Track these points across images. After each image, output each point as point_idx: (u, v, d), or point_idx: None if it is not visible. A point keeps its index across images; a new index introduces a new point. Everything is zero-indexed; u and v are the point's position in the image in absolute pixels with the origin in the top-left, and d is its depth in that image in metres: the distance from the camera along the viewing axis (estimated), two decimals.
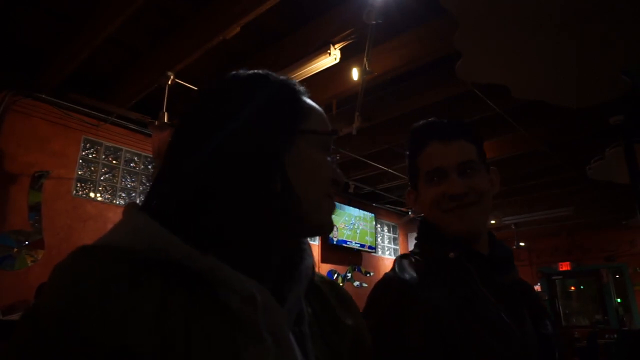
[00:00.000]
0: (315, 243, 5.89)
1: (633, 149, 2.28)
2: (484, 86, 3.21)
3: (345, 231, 6.18)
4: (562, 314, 8.66)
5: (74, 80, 3.45)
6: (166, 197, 0.52)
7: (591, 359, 6.01)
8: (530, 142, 4.44)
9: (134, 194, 4.27)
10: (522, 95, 2.01)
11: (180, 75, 3.16)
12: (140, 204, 0.53)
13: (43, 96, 3.58)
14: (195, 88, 3.21)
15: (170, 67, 3.10)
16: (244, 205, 0.50)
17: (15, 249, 3.32)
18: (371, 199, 6.84)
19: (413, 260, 0.84)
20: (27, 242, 3.39)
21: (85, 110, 3.82)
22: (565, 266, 8.56)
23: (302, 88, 0.60)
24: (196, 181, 0.51)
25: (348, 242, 6.25)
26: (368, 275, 6.65)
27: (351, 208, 6.37)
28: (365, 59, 2.76)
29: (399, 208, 7.32)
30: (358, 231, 6.45)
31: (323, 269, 5.93)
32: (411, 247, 0.99)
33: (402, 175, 5.03)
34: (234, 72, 0.59)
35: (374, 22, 2.46)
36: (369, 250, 6.68)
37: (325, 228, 0.59)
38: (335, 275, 6.10)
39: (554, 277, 8.75)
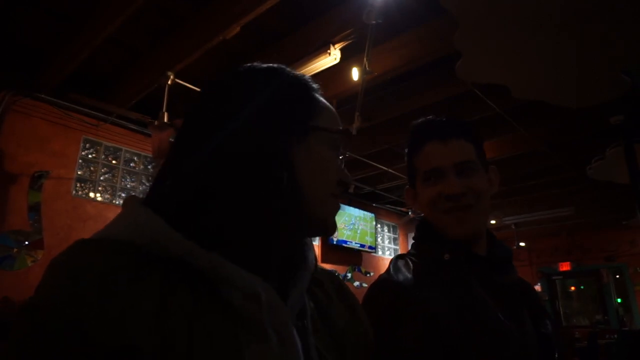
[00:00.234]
0: (315, 243, 5.89)
1: (633, 149, 2.28)
2: (484, 86, 3.21)
3: (345, 231, 6.17)
4: (562, 314, 8.65)
5: (74, 80, 3.44)
6: (167, 195, 0.51)
7: (591, 359, 6.00)
8: (530, 142, 4.44)
9: (133, 194, 4.26)
10: (522, 95, 2.02)
11: (180, 75, 3.16)
12: (138, 197, 0.52)
13: (43, 96, 3.57)
14: (195, 88, 3.20)
15: (170, 67, 3.10)
16: (247, 203, 0.50)
17: (15, 249, 3.32)
18: (371, 199, 6.84)
19: (409, 261, 0.84)
20: (26, 242, 3.39)
21: (85, 110, 3.82)
22: (565, 266, 8.55)
23: (315, 85, 0.59)
24: (200, 180, 0.50)
25: (348, 242, 6.24)
26: (368, 275, 6.65)
27: (351, 208, 6.36)
28: (365, 59, 2.76)
29: (399, 208, 7.32)
30: (358, 231, 6.45)
31: None
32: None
33: (402, 175, 5.03)
34: (248, 65, 0.58)
35: (374, 22, 2.46)
36: (369, 250, 6.67)
37: (328, 228, 0.57)
38: None
39: (554, 277, 8.74)
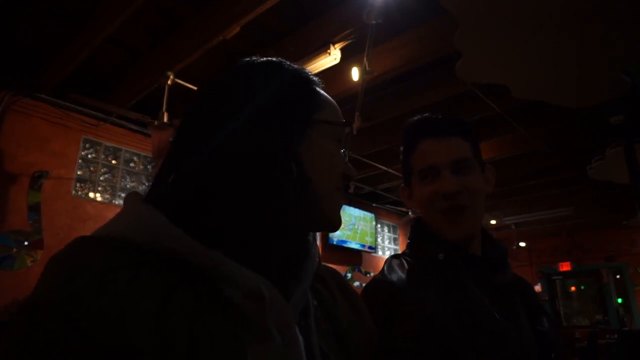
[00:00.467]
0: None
1: (633, 149, 2.28)
2: (484, 86, 3.21)
3: (345, 231, 6.17)
4: (562, 314, 8.64)
5: (74, 80, 3.44)
6: (167, 195, 0.50)
7: (591, 359, 6.00)
8: (530, 142, 4.44)
9: (135, 191, 4.25)
10: (522, 95, 2.02)
11: (180, 75, 3.16)
12: (140, 194, 0.51)
13: (43, 96, 3.57)
14: (196, 88, 3.20)
15: (170, 67, 3.09)
16: (247, 203, 0.49)
17: (15, 249, 3.31)
18: (371, 199, 6.84)
19: (404, 261, 0.83)
20: (26, 242, 3.38)
21: (85, 110, 3.81)
22: (565, 266, 8.54)
23: (316, 79, 0.59)
24: (200, 180, 0.49)
25: (348, 242, 6.24)
26: (368, 275, 6.64)
27: (351, 208, 6.36)
28: (365, 59, 2.76)
29: (399, 208, 7.31)
30: (358, 231, 6.44)
31: None
32: None
33: (402, 176, 5.01)
34: (247, 61, 0.57)
35: (374, 22, 2.46)
36: (369, 250, 6.67)
37: (335, 223, 0.57)
38: None
39: (554, 277, 8.73)
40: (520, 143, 4.55)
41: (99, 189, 4.02)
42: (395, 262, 0.83)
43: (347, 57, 3.00)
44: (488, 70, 1.84)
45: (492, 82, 1.99)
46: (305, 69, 0.59)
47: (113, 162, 4.16)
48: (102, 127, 3.97)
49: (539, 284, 8.55)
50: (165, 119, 3.08)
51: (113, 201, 4.07)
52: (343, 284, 0.66)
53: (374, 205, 6.99)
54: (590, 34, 1.55)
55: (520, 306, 0.83)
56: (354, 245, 6.33)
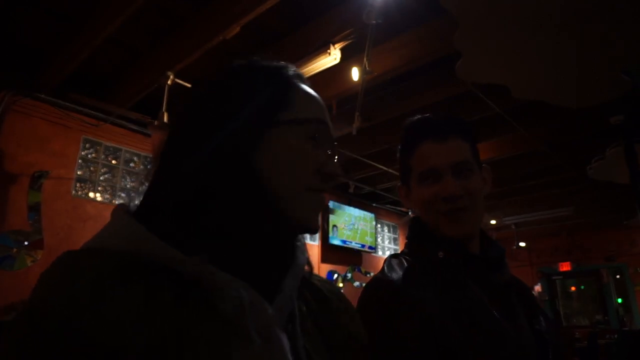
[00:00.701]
0: (315, 243, 5.89)
1: (633, 149, 2.28)
2: (484, 86, 3.20)
3: (345, 231, 6.17)
4: (562, 314, 8.64)
5: (74, 80, 3.44)
6: (149, 204, 0.53)
7: (591, 359, 6.00)
8: (530, 142, 4.44)
9: (133, 194, 4.26)
10: (522, 95, 2.02)
11: (180, 75, 3.16)
12: (128, 205, 0.54)
13: (43, 96, 3.57)
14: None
15: (170, 67, 3.09)
16: (215, 208, 0.50)
17: (15, 249, 3.31)
18: (371, 199, 6.84)
19: (404, 260, 0.84)
20: (26, 242, 3.38)
21: (85, 110, 3.81)
22: (565, 266, 8.54)
23: (291, 72, 0.57)
24: (173, 187, 0.51)
25: (348, 242, 6.24)
26: (368, 275, 6.64)
27: (351, 208, 6.36)
28: (365, 59, 2.76)
29: (399, 208, 7.31)
30: (358, 231, 6.44)
31: (323, 269, 5.93)
32: None
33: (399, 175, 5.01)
34: (228, 65, 0.58)
35: (374, 22, 2.46)
36: (369, 250, 6.67)
37: (305, 225, 0.54)
38: (335, 275, 6.10)
39: (554, 277, 8.73)
40: (520, 143, 4.55)
41: (99, 189, 4.02)
42: (394, 262, 0.83)
43: (347, 57, 3.00)
44: (488, 70, 1.84)
45: (492, 82, 1.99)
46: (281, 67, 0.58)
47: (113, 162, 4.16)
48: (102, 127, 3.97)
49: (539, 284, 8.55)
50: (165, 119, 3.08)
51: (113, 201, 4.07)
52: (335, 292, 0.66)
53: (374, 205, 6.99)
54: (590, 34, 1.55)
55: (518, 306, 0.84)
56: (354, 245, 6.33)
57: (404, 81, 3.60)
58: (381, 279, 0.80)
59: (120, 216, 0.50)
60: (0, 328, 0.45)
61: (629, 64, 1.76)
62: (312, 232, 0.56)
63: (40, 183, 3.54)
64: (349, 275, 6.35)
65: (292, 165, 0.53)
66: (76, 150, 3.86)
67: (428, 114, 0.91)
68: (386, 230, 7.50)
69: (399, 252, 0.89)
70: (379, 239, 7.12)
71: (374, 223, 6.81)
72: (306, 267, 0.60)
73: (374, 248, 6.74)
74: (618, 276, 8.11)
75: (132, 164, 4.31)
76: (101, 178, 4.06)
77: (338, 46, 2.86)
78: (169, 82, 3.10)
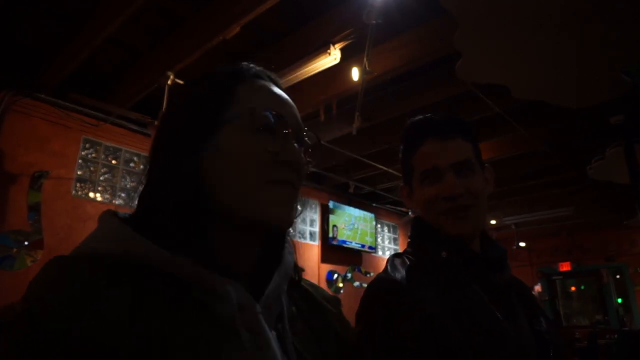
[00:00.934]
0: (315, 243, 5.89)
1: (633, 149, 2.29)
2: (484, 86, 3.20)
3: (345, 231, 6.17)
4: (562, 314, 8.65)
5: (74, 80, 3.44)
6: (139, 205, 0.55)
7: (591, 359, 6.00)
8: (530, 142, 4.44)
9: (133, 194, 4.26)
10: (522, 95, 2.02)
11: (180, 75, 3.16)
12: (114, 210, 0.55)
13: (43, 96, 3.57)
14: None
15: (170, 67, 3.09)
16: (180, 210, 0.51)
17: (15, 249, 3.31)
18: (371, 199, 6.84)
19: (406, 259, 0.84)
20: (26, 242, 3.38)
21: (85, 110, 3.81)
22: (565, 266, 8.55)
23: (249, 72, 0.58)
24: (151, 190, 0.55)
25: (348, 242, 6.24)
26: (368, 275, 6.64)
27: (351, 208, 6.36)
28: (365, 59, 2.76)
29: (399, 208, 7.31)
30: (358, 231, 6.44)
31: (323, 269, 5.93)
32: None
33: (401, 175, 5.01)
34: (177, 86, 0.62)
35: (374, 22, 2.46)
36: (369, 250, 6.67)
37: (267, 221, 0.52)
38: (335, 275, 6.10)
39: (554, 277, 8.73)
40: (520, 143, 4.55)
41: (99, 189, 4.02)
42: (397, 261, 0.83)
43: (347, 57, 3.00)
44: (488, 70, 1.84)
45: (492, 82, 1.99)
46: (227, 67, 0.59)
47: (113, 162, 4.16)
48: (102, 127, 3.97)
49: (539, 284, 8.55)
50: None
51: (113, 201, 4.07)
52: (328, 300, 0.67)
53: (374, 205, 6.99)
54: (590, 34, 1.55)
55: (519, 306, 0.84)
56: (354, 245, 6.33)
57: (404, 81, 3.60)
58: (384, 278, 0.80)
59: (108, 220, 0.51)
60: (0, 328, 0.45)
61: (629, 64, 1.76)
62: (282, 228, 0.55)
63: (40, 183, 3.54)
64: (349, 275, 6.35)
65: (239, 163, 0.51)
66: (76, 150, 3.86)
67: (429, 114, 0.91)
68: (386, 230, 7.50)
69: (400, 251, 0.89)
70: (379, 239, 7.12)
71: (374, 223, 6.81)
72: (293, 268, 0.61)
73: (374, 248, 6.74)
74: (618, 276, 8.11)
75: (132, 164, 4.31)
76: (101, 178, 4.05)
77: (338, 46, 2.86)
78: (169, 82, 3.10)
